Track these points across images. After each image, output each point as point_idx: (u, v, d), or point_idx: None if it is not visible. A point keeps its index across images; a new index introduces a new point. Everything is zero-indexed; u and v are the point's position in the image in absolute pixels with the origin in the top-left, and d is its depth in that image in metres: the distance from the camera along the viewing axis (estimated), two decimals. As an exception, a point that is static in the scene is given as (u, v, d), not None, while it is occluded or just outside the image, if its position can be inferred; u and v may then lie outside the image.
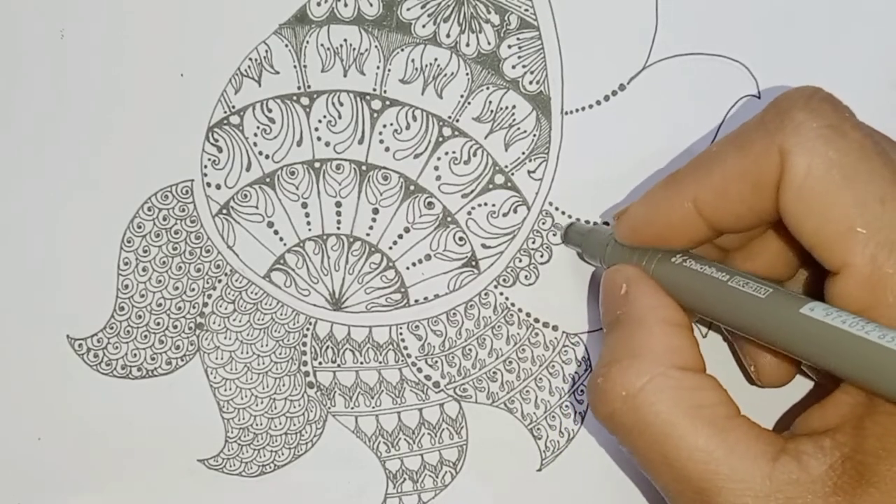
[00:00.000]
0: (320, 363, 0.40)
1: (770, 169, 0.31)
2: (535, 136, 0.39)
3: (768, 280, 0.33)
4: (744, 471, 0.30)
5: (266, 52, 0.39)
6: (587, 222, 0.39)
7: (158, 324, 0.40)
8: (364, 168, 0.39)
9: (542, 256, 0.40)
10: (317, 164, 0.39)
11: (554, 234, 0.39)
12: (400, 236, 0.39)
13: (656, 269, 0.34)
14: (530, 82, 0.39)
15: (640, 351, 0.32)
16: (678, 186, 0.33)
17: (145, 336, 0.40)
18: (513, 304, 0.40)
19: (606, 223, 0.39)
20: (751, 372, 0.37)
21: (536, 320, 0.40)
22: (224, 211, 0.40)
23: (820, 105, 0.31)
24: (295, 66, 0.39)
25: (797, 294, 0.31)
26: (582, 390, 0.40)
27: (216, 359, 0.40)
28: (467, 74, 0.39)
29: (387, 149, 0.39)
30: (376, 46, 0.39)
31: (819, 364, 0.30)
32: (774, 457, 0.30)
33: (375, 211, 0.39)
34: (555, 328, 0.40)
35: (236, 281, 0.40)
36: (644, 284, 0.34)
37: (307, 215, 0.39)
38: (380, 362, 0.40)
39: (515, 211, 0.39)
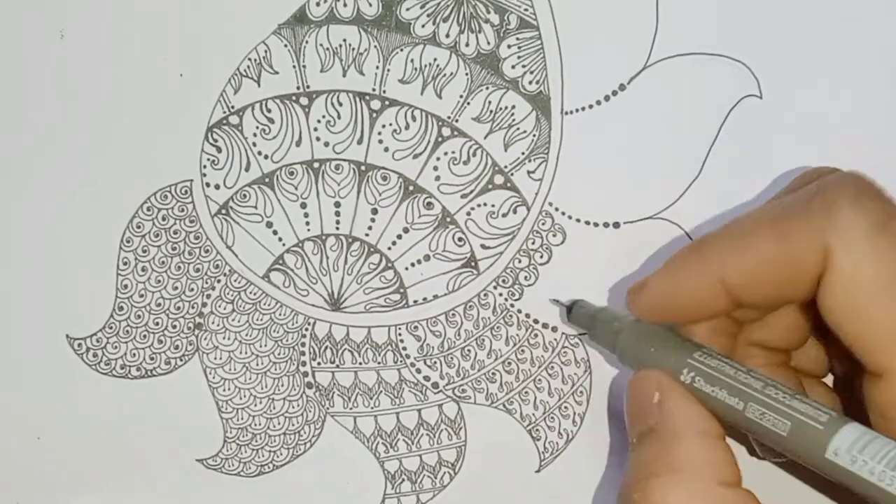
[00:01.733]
0: (319, 363, 0.40)
1: (812, 263, 0.30)
2: (534, 136, 0.39)
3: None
4: None
5: (265, 52, 0.39)
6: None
7: (157, 324, 0.40)
8: (363, 168, 0.39)
9: (541, 257, 0.39)
10: (316, 165, 0.39)
11: (554, 235, 0.39)
12: (399, 237, 0.39)
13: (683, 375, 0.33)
14: (530, 82, 0.39)
15: (680, 465, 0.31)
16: (704, 263, 0.32)
17: (144, 336, 0.40)
18: (512, 305, 0.40)
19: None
20: (757, 448, 0.36)
21: (536, 321, 0.39)
22: (223, 211, 0.40)
23: (869, 203, 0.30)
24: (294, 67, 0.39)
25: (817, 417, 0.30)
26: (581, 391, 0.39)
27: (215, 359, 0.40)
28: (467, 74, 0.39)
29: (386, 149, 0.39)
30: (375, 46, 0.39)
31: (851, 490, 0.29)
32: None
33: (374, 211, 0.39)
34: (554, 329, 0.39)
35: (235, 281, 0.40)
36: (678, 393, 0.32)
37: (306, 215, 0.39)
38: (378, 363, 0.40)
39: (515, 211, 0.39)
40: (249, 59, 0.39)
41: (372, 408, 0.40)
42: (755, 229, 0.32)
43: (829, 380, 0.38)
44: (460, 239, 0.39)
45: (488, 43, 0.39)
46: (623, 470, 0.39)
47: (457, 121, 0.39)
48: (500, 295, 0.40)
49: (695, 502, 0.30)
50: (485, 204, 0.39)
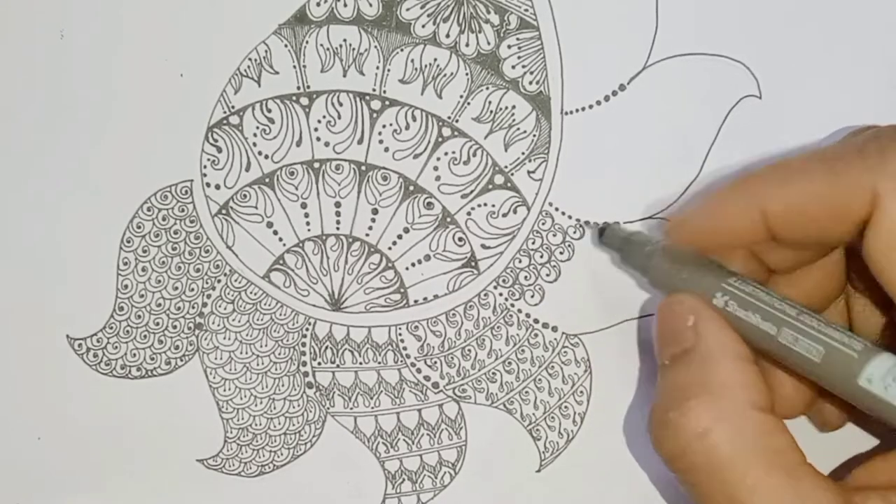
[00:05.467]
0: (319, 363, 0.40)
1: (859, 204, 0.30)
2: (534, 136, 0.39)
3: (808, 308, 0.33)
4: None
5: (265, 52, 0.39)
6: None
7: (158, 324, 0.40)
8: (363, 168, 0.39)
9: (541, 257, 0.39)
10: (316, 165, 0.39)
11: (554, 235, 0.39)
12: (399, 237, 0.39)
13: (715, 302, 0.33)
14: (530, 82, 0.39)
15: (716, 388, 0.31)
16: (748, 193, 0.32)
17: (144, 336, 0.40)
18: (512, 305, 0.40)
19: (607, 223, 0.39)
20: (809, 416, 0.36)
21: (536, 321, 0.40)
22: (223, 211, 0.40)
23: None
24: (294, 67, 0.39)
25: (852, 345, 0.30)
26: (581, 391, 0.40)
27: (215, 359, 0.40)
28: (467, 74, 0.39)
29: (386, 149, 0.39)
30: (376, 46, 0.39)
31: (882, 420, 0.29)
32: None
33: (375, 211, 0.39)
34: (554, 329, 0.40)
35: (235, 281, 0.40)
36: (713, 317, 0.33)
37: (306, 215, 0.39)
38: (379, 363, 0.40)
39: (515, 211, 0.39)
40: (249, 59, 0.39)
41: (372, 408, 0.40)
42: (805, 165, 0.31)
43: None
44: (460, 239, 0.40)
45: (488, 43, 0.39)
46: (624, 469, 0.39)
47: (457, 121, 0.39)
48: (501, 295, 0.40)
49: (731, 423, 0.31)
50: (485, 204, 0.39)
